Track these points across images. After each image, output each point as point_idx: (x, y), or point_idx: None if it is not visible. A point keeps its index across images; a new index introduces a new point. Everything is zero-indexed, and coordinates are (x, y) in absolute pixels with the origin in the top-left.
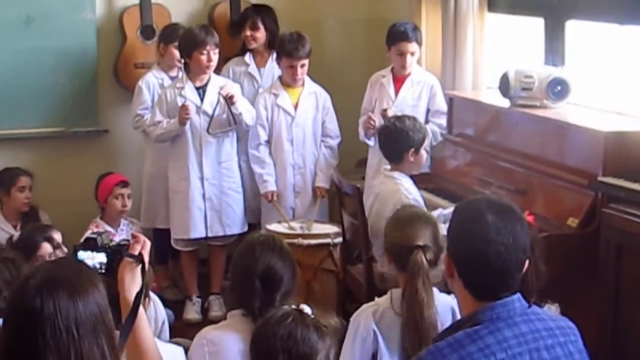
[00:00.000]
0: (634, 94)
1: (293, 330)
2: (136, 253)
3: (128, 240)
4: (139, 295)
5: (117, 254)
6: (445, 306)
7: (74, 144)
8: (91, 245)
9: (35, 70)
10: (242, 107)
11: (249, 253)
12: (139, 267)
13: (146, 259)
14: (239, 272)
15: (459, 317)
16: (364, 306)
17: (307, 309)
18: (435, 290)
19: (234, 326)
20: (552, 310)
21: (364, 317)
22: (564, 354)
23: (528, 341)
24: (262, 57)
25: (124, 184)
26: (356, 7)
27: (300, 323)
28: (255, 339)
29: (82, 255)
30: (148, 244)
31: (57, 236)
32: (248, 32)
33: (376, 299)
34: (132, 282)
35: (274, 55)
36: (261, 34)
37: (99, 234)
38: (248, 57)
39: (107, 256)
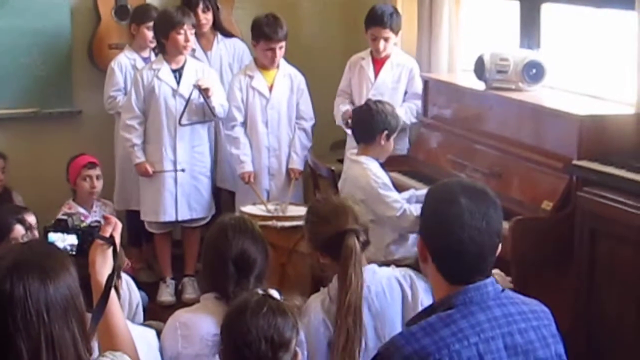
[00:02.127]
0: (610, 77)
1: (272, 320)
2: (107, 235)
3: (99, 222)
4: (110, 277)
5: (89, 235)
6: (389, 279)
7: (48, 125)
8: (62, 226)
9: (9, 50)
10: (216, 100)
11: (222, 236)
12: (111, 249)
13: (117, 240)
14: (211, 255)
15: (405, 286)
16: (312, 297)
17: (275, 294)
18: (374, 266)
19: (207, 309)
20: (500, 277)
21: (313, 309)
22: (537, 338)
23: (501, 325)
24: (207, 41)
25: (92, 165)
26: None
27: (277, 311)
28: (232, 331)
29: (53, 237)
30: (119, 225)
31: (31, 218)
32: (200, 15)
33: (321, 288)
34: (104, 264)
35: (219, 36)
36: (211, 17)
37: (70, 215)
38: (193, 41)
39: (78, 238)
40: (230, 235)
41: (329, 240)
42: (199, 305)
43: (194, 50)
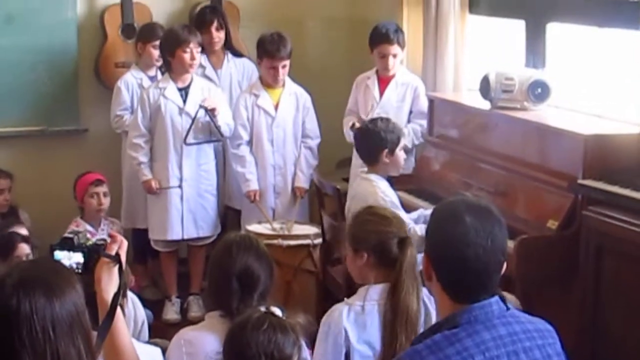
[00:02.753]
0: (614, 96)
1: (272, 336)
2: (113, 253)
3: (105, 240)
4: (116, 295)
5: (94, 253)
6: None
7: (54, 143)
8: (68, 244)
9: (16, 68)
10: (222, 119)
11: (226, 253)
12: (116, 267)
13: (123, 258)
14: (216, 272)
15: (429, 305)
16: (334, 307)
17: (277, 311)
18: None
19: (212, 327)
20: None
21: (335, 317)
22: (542, 357)
23: (506, 344)
24: (218, 58)
25: (99, 182)
26: (337, 7)
27: (278, 327)
28: (233, 346)
29: (59, 254)
30: (125, 243)
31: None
32: (214, 34)
33: (345, 299)
34: (109, 282)
35: (229, 55)
36: (223, 35)
37: (76, 233)
38: (204, 59)
39: (84, 256)
40: (235, 251)
41: (387, 242)
42: (204, 323)
43: (204, 67)
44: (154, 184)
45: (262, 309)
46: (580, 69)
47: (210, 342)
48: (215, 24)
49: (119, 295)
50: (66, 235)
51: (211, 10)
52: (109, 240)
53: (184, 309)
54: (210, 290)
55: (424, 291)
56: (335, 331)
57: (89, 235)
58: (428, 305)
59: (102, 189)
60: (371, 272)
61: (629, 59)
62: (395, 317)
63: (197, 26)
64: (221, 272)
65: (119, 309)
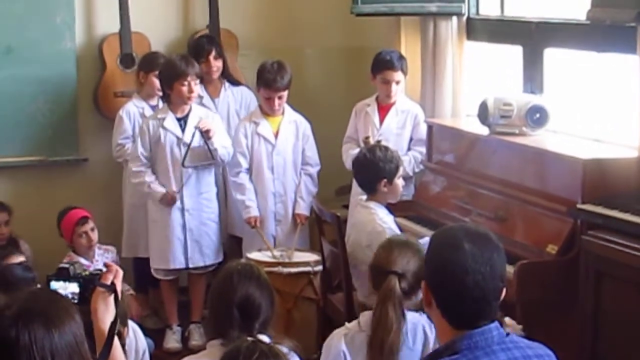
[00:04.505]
0: (612, 121)
1: None
2: (109, 282)
3: (101, 270)
4: (113, 324)
5: (90, 283)
6: (416, 324)
7: (54, 173)
8: (64, 274)
9: (15, 99)
10: (218, 142)
11: (227, 282)
12: (112, 297)
13: (119, 288)
14: (217, 301)
15: (429, 333)
16: (335, 331)
17: (265, 339)
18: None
19: (212, 356)
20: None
21: (335, 341)
22: None
23: None
24: (215, 87)
25: (84, 219)
26: (335, 35)
27: (270, 355)
28: None
29: (55, 285)
30: (121, 273)
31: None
32: (212, 63)
33: (346, 324)
34: (106, 311)
35: (226, 84)
36: (221, 64)
37: (72, 263)
38: (201, 89)
39: (80, 286)
40: (236, 280)
41: (376, 267)
42: (205, 352)
43: (201, 97)
44: (172, 193)
45: (249, 338)
46: (578, 94)
47: None
48: (213, 53)
49: (116, 323)
50: (62, 265)
51: (208, 39)
52: (104, 270)
53: (185, 337)
54: (211, 319)
55: (424, 318)
56: (334, 354)
57: (85, 267)
58: (428, 333)
59: (89, 225)
60: (374, 296)
61: (626, 84)
62: (372, 349)
63: (195, 55)
64: (222, 300)
65: (116, 338)
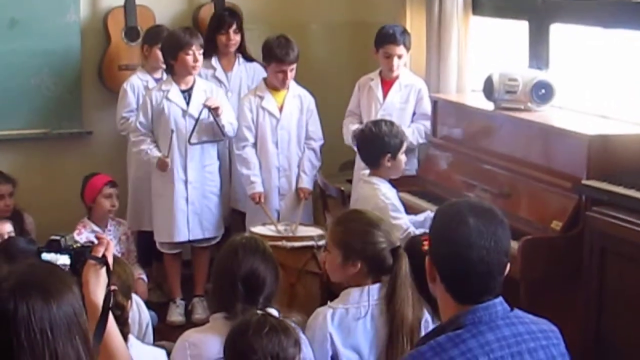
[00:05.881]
0: (618, 97)
1: (275, 338)
2: (100, 255)
3: (92, 242)
4: (107, 299)
5: (81, 255)
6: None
7: (59, 146)
8: (54, 247)
9: (19, 72)
10: (226, 119)
11: (231, 256)
12: (104, 269)
13: (110, 260)
14: (221, 275)
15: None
16: (317, 311)
17: (274, 312)
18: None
19: (216, 329)
20: None
21: (320, 322)
22: (547, 357)
23: (510, 345)
24: (229, 61)
25: (113, 184)
26: (339, 10)
27: (280, 329)
28: (236, 351)
29: (46, 256)
30: (112, 245)
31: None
32: (232, 36)
33: (328, 302)
34: (97, 284)
35: (240, 59)
36: (239, 38)
37: (63, 235)
38: (214, 61)
39: (70, 258)
40: (241, 254)
41: (380, 252)
42: (209, 325)
43: (214, 69)
44: (164, 158)
45: (259, 311)
46: (584, 70)
47: (215, 344)
48: (234, 26)
49: (110, 298)
50: (53, 237)
51: (230, 13)
52: (96, 242)
53: (189, 311)
54: (215, 293)
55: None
56: (320, 336)
57: (82, 237)
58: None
59: (116, 190)
60: (367, 278)
61: (632, 60)
62: (392, 328)
63: (215, 27)
64: (226, 274)
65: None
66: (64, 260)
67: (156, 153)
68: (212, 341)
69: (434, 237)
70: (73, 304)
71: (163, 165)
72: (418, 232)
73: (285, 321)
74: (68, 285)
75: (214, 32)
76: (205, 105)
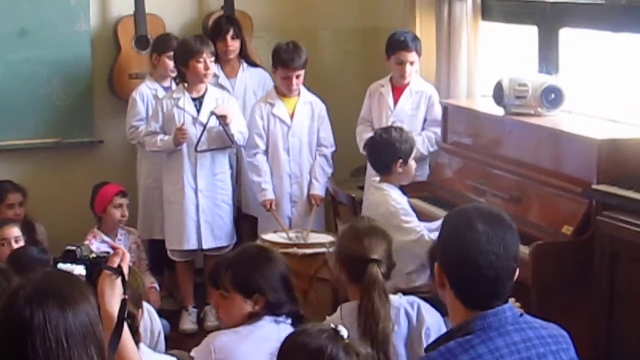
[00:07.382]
0: (628, 102)
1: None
2: (115, 265)
3: (108, 253)
4: (122, 309)
5: (97, 266)
6: (398, 309)
7: (70, 155)
8: (70, 257)
9: (30, 81)
10: (235, 128)
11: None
12: (119, 280)
13: (126, 271)
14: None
15: (412, 315)
16: (327, 320)
17: (344, 332)
18: (427, 305)
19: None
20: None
21: None
22: None
23: (520, 350)
24: (232, 69)
25: (123, 194)
26: (350, 16)
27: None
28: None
29: (62, 267)
30: (128, 256)
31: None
32: (230, 43)
33: (327, 317)
34: (112, 294)
35: (244, 65)
36: (238, 44)
37: (79, 246)
38: (217, 69)
39: (87, 269)
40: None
41: (350, 258)
42: (250, 328)
43: (217, 77)
44: (183, 128)
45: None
46: (593, 74)
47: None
48: (231, 33)
49: (125, 309)
50: (69, 248)
51: (227, 19)
52: (112, 252)
53: (201, 319)
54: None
55: (404, 300)
56: None
57: (92, 247)
58: (412, 315)
59: (126, 200)
60: (349, 288)
61: None
62: (363, 334)
63: (213, 35)
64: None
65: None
66: (80, 270)
67: (168, 137)
68: (247, 347)
69: (443, 243)
70: (89, 313)
71: (181, 133)
72: (433, 235)
73: (354, 345)
74: (85, 295)
75: (213, 40)
76: (213, 113)
